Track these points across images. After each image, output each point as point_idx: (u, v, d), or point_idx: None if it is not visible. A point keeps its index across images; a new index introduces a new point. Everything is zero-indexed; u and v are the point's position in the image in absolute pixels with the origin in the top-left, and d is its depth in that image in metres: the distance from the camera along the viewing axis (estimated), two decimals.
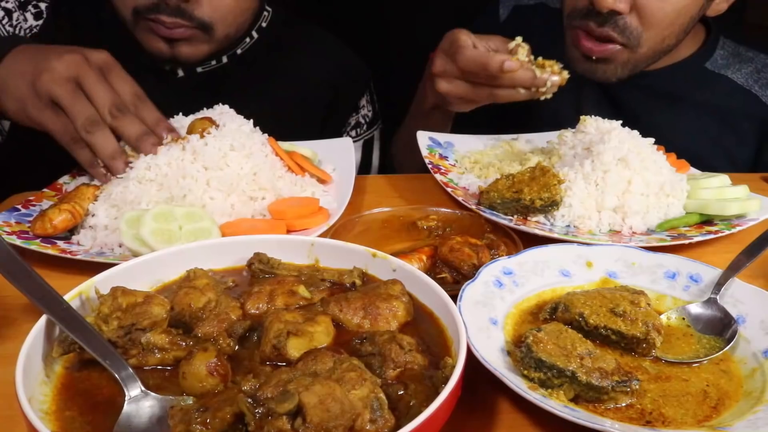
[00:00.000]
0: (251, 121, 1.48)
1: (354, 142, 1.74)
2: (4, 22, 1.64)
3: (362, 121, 2.01)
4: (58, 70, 1.25)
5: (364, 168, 1.99)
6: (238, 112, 1.49)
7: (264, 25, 1.85)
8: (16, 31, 1.66)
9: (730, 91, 1.82)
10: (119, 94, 1.30)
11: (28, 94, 1.27)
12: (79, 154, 1.30)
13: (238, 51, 1.80)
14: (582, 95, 1.85)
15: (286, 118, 1.66)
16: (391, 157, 2.01)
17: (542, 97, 1.45)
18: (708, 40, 1.87)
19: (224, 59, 1.78)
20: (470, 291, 1.01)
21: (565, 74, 1.43)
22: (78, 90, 1.26)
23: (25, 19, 1.67)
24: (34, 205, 1.36)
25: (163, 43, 1.61)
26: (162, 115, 1.35)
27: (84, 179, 1.41)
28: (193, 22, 1.58)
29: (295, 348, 0.83)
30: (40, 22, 1.69)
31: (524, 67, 1.41)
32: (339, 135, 1.93)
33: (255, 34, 1.82)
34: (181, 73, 1.75)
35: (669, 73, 1.82)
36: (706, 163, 1.64)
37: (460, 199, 1.39)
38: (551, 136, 1.69)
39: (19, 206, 1.34)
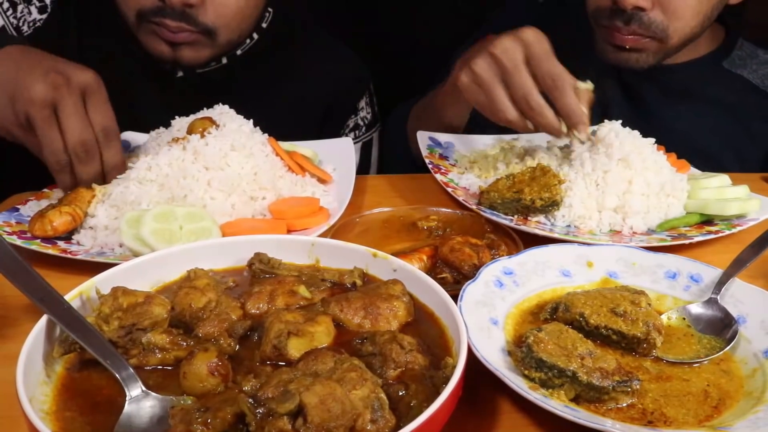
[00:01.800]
0: (251, 120, 1.48)
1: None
2: (8, 14, 1.64)
3: (361, 123, 2.01)
4: (37, 92, 1.21)
5: (362, 171, 1.99)
6: (237, 112, 1.49)
7: (264, 26, 1.85)
8: (20, 24, 1.66)
9: (745, 91, 1.85)
10: (91, 125, 1.26)
11: (7, 110, 1.25)
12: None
13: (238, 52, 1.80)
14: (601, 90, 1.86)
15: (284, 120, 1.66)
16: (404, 141, 1.96)
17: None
18: (727, 40, 1.90)
19: (224, 60, 1.77)
20: (471, 291, 1.01)
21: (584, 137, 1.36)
22: (51, 117, 1.23)
23: (30, 12, 1.67)
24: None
25: (165, 46, 1.61)
26: (123, 157, 1.34)
27: None
28: (198, 27, 1.58)
29: (295, 348, 0.83)
30: (45, 15, 1.69)
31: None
32: (337, 137, 1.93)
33: (255, 35, 1.82)
34: (180, 73, 1.75)
35: (687, 69, 1.85)
36: (716, 162, 1.65)
37: (460, 199, 1.39)
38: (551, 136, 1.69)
39: (19, 206, 1.34)
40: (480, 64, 1.37)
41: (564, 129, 1.34)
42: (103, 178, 1.31)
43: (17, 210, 1.33)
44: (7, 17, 1.64)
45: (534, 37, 1.34)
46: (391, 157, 2.03)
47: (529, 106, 1.33)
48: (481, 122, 1.70)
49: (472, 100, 1.43)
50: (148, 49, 1.64)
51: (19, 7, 1.66)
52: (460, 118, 1.68)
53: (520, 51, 1.33)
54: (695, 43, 1.78)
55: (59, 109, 1.23)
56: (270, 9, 1.87)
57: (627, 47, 1.66)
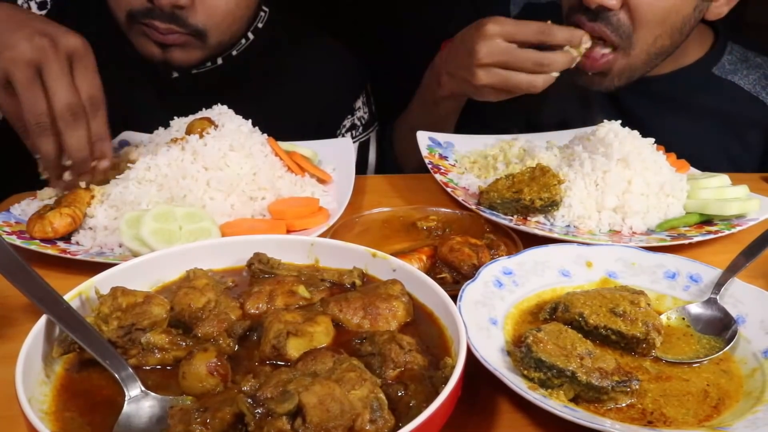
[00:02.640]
0: (250, 120, 1.48)
1: None
2: None
3: (358, 123, 2.00)
4: (21, 50, 1.16)
5: (359, 171, 1.97)
6: (235, 112, 1.49)
7: (260, 26, 1.85)
8: None
9: (737, 97, 1.81)
10: (78, 92, 1.21)
11: None
12: (27, 142, 1.25)
13: (234, 52, 1.80)
14: (588, 101, 1.85)
15: (280, 120, 1.65)
16: (393, 155, 1.99)
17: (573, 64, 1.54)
18: (716, 45, 1.85)
19: (219, 61, 1.77)
20: (470, 291, 1.01)
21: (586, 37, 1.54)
22: (36, 78, 1.17)
23: (29, 8, 1.66)
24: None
25: (155, 48, 1.60)
26: (108, 131, 1.27)
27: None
28: (188, 28, 1.57)
29: (294, 348, 0.83)
30: (44, 12, 1.69)
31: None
32: (334, 137, 1.92)
33: (251, 35, 1.82)
34: (175, 74, 1.75)
35: (676, 78, 1.81)
36: (710, 169, 1.63)
37: (460, 199, 1.39)
38: (551, 136, 1.69)
39: (18, 206, 1.34)
40: (481, 77, 1.52)
41: (574, 52, 1.53)
42: (90, 149, 1.25)
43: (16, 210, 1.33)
44: None
45: (493, 24, 1.52)
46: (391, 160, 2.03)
47: (543, 65, 1.51)
48: (471, 121, 1.72)
49: (506, 90, 1.56)
50: (138, 50, 1.64)
51: (19, 2, 1.66)
52: (455, 109, 1.79)
53: (501, 41, 1.51)
54: (682, 50, 1.73)
55: (44, 72, 1.18)
56: (265, 9, 1.87)
57: (589, 74, 1.64)
